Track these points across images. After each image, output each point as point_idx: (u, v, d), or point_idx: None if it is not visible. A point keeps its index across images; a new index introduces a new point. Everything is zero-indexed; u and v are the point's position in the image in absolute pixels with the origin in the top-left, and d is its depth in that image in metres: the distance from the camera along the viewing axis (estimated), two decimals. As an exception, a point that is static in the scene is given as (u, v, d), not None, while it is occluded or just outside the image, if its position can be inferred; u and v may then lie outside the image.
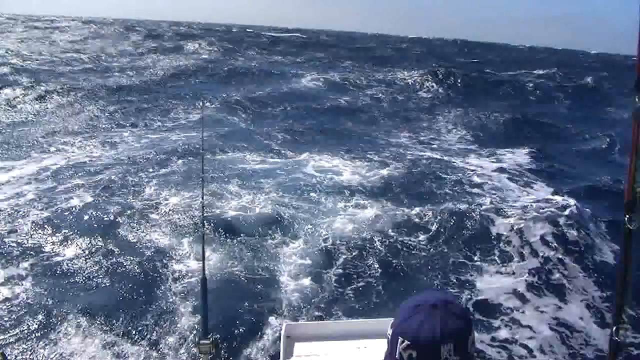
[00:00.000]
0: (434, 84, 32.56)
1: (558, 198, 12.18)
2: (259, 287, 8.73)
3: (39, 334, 7.54)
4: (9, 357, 6.99)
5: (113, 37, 62.55)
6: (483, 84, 33.63)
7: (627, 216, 2.16)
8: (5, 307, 8.02)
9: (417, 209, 11.53)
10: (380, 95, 29.29)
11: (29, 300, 8.26)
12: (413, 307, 1.90)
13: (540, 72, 43.57)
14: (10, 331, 7.48)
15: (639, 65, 2.19)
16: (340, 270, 9.26)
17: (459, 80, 33.08)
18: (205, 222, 4.87)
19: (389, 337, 1.92)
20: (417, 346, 1.83)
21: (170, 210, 11.36)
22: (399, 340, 1.86)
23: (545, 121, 23.32)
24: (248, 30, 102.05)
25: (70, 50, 43.47)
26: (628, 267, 2.18)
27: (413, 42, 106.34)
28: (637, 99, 2.15)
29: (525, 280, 9.00)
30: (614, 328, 2.03)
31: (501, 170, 15.02)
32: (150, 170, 14.08)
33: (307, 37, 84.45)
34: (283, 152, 16.42)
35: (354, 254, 9.83)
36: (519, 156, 16.55)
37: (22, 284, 8.61)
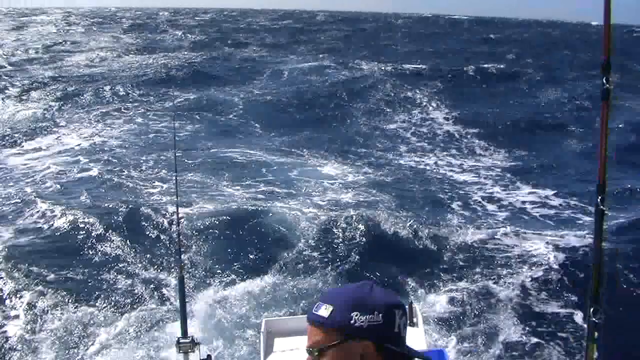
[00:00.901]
0: (436, 76, 29.40)
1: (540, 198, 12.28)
2: (238, 283, 8.68)
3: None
4: None
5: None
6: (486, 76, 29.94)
7: (600, 197, 2.18)
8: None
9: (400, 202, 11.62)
10: (380, 91, 25.83)
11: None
12: (370, 289, 1.97)
13: (549, 55, 40.50)
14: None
15: (605, 45, 2.20)
16: (319, 268, 9.21)
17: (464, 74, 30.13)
18: (180, 220, 4.83)
19: (380, 320, 1.91)
20: (405, 311, 1.99)
21: (145, 204, 11.21)
22: (397, 313, 1.95)
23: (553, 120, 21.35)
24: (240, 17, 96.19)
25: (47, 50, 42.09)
26: (602, 248, 2.20)
27: (418, 21, 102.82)
28: (604, 81, 2.16)
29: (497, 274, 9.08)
30: (591, 310, 2.04)
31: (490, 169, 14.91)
32: (131, 167, 13.97)
33: (300, 25, 79.41)
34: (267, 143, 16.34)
35: (333, 247, 9.84)
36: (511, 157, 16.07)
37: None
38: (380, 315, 1.90)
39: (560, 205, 12.22)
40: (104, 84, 25.15)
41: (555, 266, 8.96)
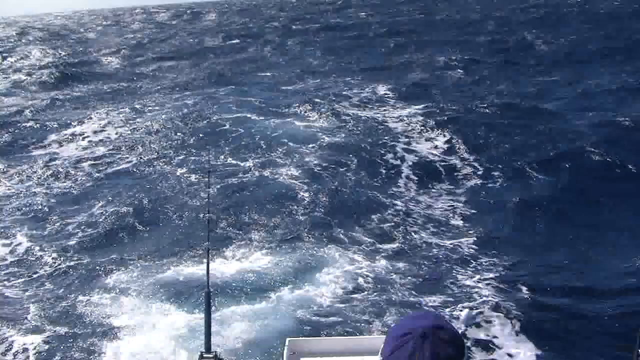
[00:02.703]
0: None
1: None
2: (264, 301, 8.60)
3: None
4: None
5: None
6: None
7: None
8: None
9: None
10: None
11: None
12: (401, 335, 1.87)
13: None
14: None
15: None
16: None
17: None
18: (210, 234, 4.82)
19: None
20: None
21: (177, 212, 11.25)
22: None
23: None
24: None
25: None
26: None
27: None
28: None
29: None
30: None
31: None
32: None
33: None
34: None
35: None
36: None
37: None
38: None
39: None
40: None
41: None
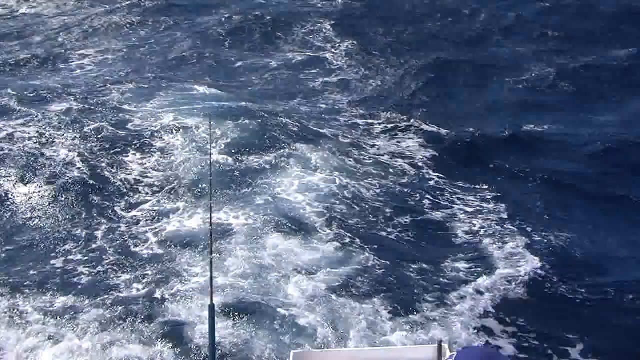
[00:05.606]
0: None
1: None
2: (268, 313, 8.46)
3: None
4: None
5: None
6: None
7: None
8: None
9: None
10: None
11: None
12: None
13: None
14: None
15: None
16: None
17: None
18: (213, 243, 4.75)
19: None
20: None
21: (178, 228, 10.93)
22: None
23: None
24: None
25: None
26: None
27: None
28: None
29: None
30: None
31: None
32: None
33: None
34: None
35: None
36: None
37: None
38: None
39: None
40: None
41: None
